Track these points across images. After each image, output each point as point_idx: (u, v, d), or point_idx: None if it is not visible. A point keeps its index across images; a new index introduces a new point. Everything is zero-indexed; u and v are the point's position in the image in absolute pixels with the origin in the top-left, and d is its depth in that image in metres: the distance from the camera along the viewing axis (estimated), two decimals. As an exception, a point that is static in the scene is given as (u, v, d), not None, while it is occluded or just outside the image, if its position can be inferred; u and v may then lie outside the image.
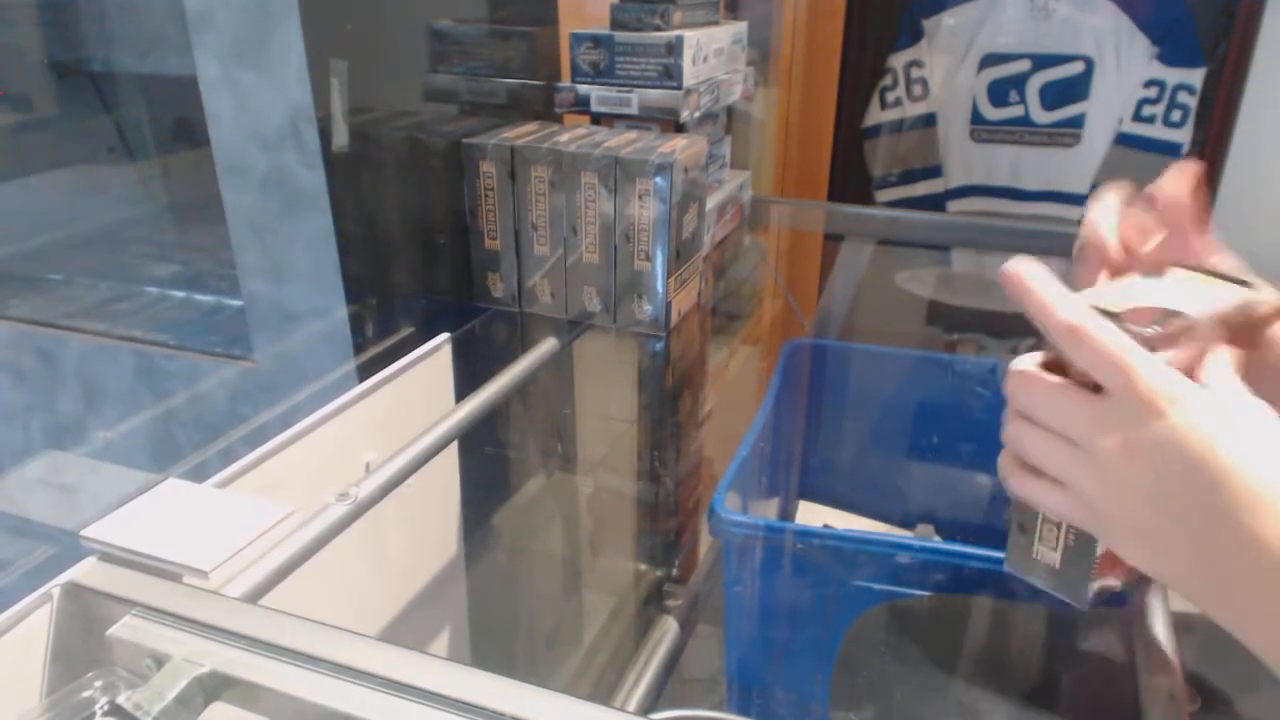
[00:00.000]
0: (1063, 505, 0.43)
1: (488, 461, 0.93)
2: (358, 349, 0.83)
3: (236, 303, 0.91)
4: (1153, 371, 0.39)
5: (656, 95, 0.91)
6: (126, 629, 0.39)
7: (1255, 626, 0.39)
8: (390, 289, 0.86)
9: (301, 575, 0.50)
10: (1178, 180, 0.46)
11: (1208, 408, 0.39)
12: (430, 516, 0.84)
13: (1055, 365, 0.44)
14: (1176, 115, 1.68)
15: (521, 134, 0.87)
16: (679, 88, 0.90)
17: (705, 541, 1.03)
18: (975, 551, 0.67)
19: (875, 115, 1.89)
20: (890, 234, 1.26)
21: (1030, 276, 0.43)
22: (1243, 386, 0.40)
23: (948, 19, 1.79)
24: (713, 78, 0.98)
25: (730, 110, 1.11)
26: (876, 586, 0.70)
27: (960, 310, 1.86)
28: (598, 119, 0.95)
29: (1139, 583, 0.52)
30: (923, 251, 1.81)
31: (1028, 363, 0.43)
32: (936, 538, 1.06)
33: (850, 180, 1.94)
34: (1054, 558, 0.49)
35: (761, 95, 1.70)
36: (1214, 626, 0.42)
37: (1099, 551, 0.46)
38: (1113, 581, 0.48)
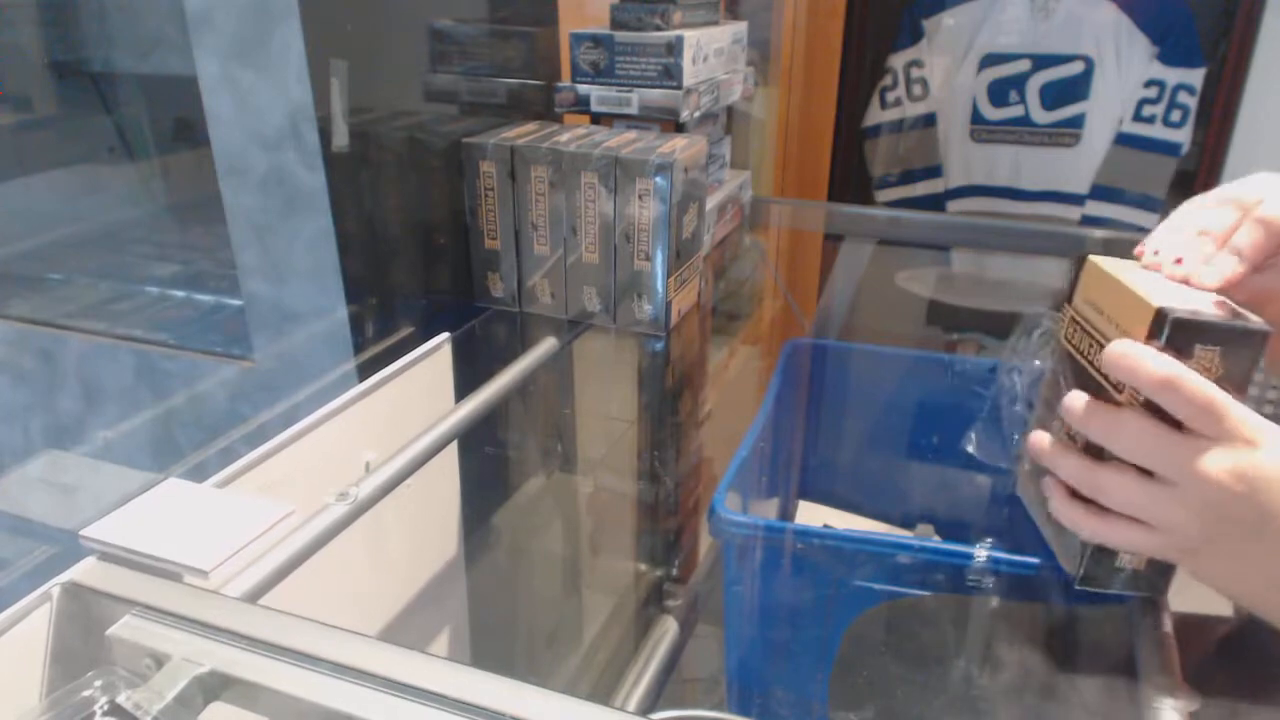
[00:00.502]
0: (1147, 542, 0.45)
1: (488, 461, 0.93)
2: (357, 349, 0.83)
3: (236, 302, 0.91)
4: (1240, 411, 0.42)
5: (656, 95, 0.91)
6: (126, 629, 0.39)
7: None
8: (390, 289, 0.86)
9: (301, 575, 0.50)
10: None
11: None
12: (430, 516, 0.84)
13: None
14: (1176, 115, 1.68)
15: (521, 134, 0.87)
16: (679, 88, 0.90)
17: (705, 541, 1.03)
18: (975, 551, 0.67)
19: (875, 115, 1.89)
20: (890, 234, 1.26)
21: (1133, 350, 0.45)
22: None
23: (948, 19, 1.79)
24: (713, 78, 0.98)
25: (730, 110, 1.11)
26: (876, 586, 0.70)
27: (960, 310, 1.86)
28: (598, 119, 0.95)
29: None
30: (923, 251, 1.81)
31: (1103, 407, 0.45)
32: (936, 538, 1.06)
33: (850, 180, 1.94)
34: (1139, 562, 0.50)
35: (761, 95, 1.70)
36: (1214, 627, 0.42)
37: None
38: None
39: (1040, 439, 0.49)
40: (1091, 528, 0.47)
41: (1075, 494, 0.47)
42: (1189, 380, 0.42)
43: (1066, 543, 0.51)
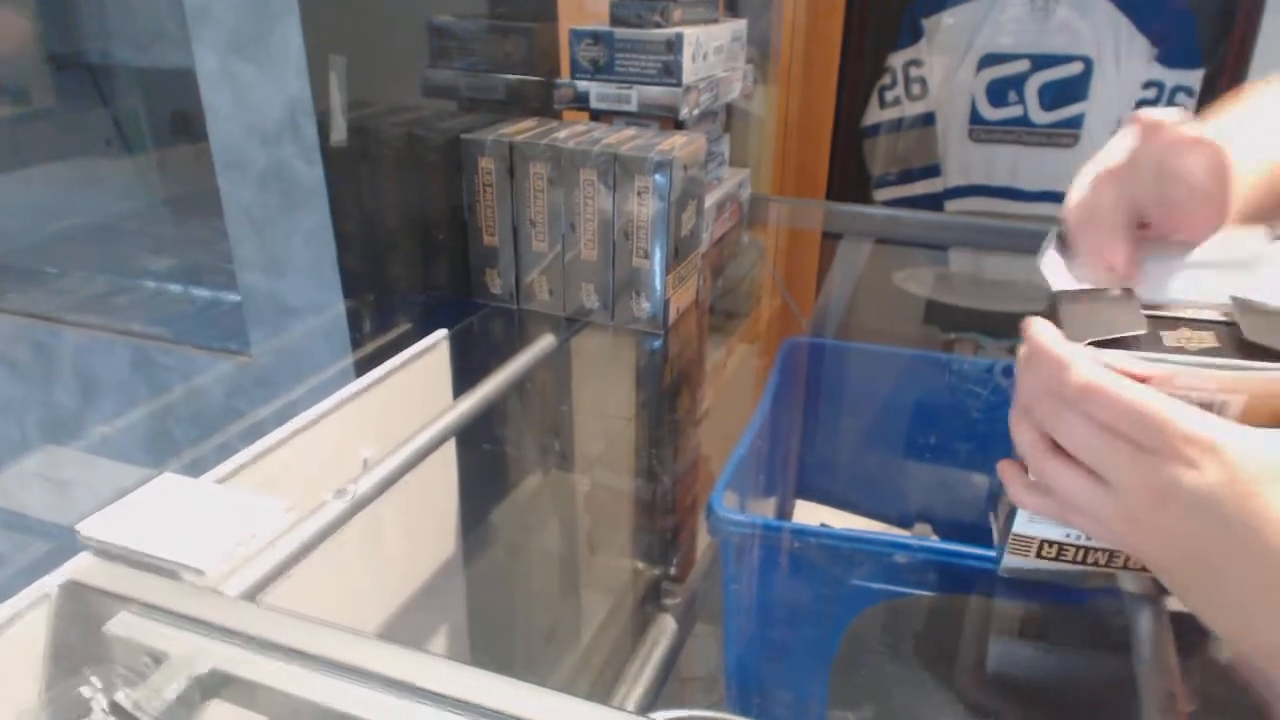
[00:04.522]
0: (1094, 530, 0.44)
1: (486, 458, 0.93)
2: (355, 344, 0.83)
3: (234, 297, 0.91)
4: (1190, 425, 0.38)
5: (656, 92, 0.90)
6: (124, 626, 0.39)
7: None
8: (388, 284, 0.86)
9: (299, 572, 0.50)
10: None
11: (1249, 456, 0.37)
12: (428, 513, 0.84)
13: None
14: (1175, 116, 1.68)
15: (520, 130, 0.87)
16: (678, 85, 0.90)
17: (703, 540, 1.03)
18: (973, 551, 0.67)
19: (874, 114, 1.89)
20: (888, 233, 1.26)
21: (1039, 332, 0.43)
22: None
23: (947, 18, 1.79)
24: (712, 75, 0.98)
25: (729, 108, 1.11)
26: (874, 586, 0.70)
27: (958, 310, 1.86)
28: (597, 115, 0.95)
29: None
30: (921, 251, 1.81)
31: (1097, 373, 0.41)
32: (934, 537, 1.06)
33: (849, 179, 1.94)
34: (1000, 518, 0.52)
35: (761, 93, 1.70)
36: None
37: (1021, 533, 0.48)
38: (1038, 565, 0.50)
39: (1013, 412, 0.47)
40: (1051, 509, 0.45)
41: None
42: (1116, 388, 0.39)
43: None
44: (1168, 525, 0.39)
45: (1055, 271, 0.48)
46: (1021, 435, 0.44)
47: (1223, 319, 0.43)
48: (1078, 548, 0.48)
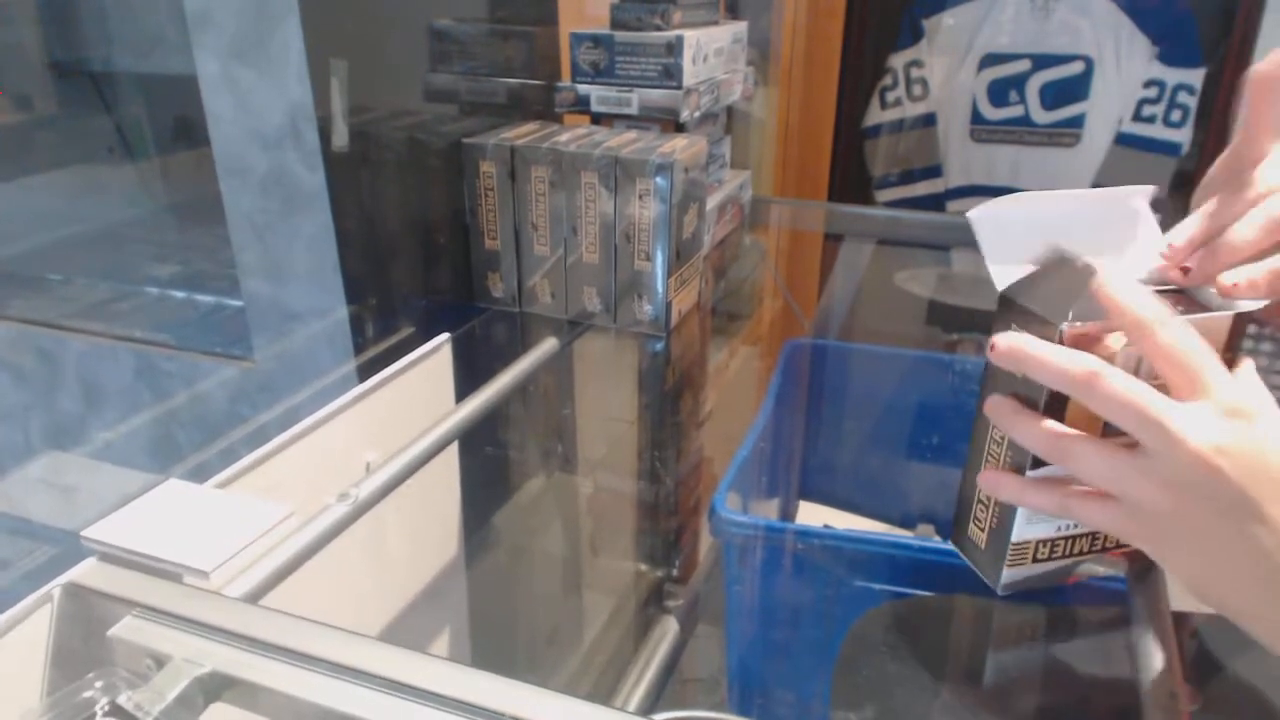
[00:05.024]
0: (1113, 520, 0.42)
1: (488, 462, 0.93)
2: (358, 349, 0.83)
3: (236, 303, 0.91)
4: (1245, 379, 0.39)
5: (656, 95, 0.91)
6: (127, 629, 0.39)
7: None
8: (390, 289, 0.86)
9: (302, 576, 0.50)
10: None
11: None
12: (430, 517, 0.84)
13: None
14: (1177, 115, 1.68)
15: (521, 134, 0.87)
16: (679, 87, 0.90)
17: (705, 541, 1.03)
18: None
19: (875, 115, 1.89)
20: (890, 234, 1.26)
21: (1028, 344, 0.43)
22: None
23: (948, 19, 1.79)
24: (713, 77, 0.98)
25: (730, 110, 1.11)
26: (877, 587, 0.70)
27: (960, 310, 1.85)
28: (598, 119, 0.95)
29: (1135, 582, 0.52)
30: (923, 251, 1.80)
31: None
32: (937, 538, 1.06)
33: (850, 180, 1.94)
34: (981, 538, 0.50)
35: (761, 95, 1.70)
36: (1214, 626, 0.42)
37: (1020, 539, 0.48)
38: (1032, 572, 0.49)
39: (995, 400, 0.46)
40: (1055, 504, 0.43)
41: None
42: (1179, 335, 0.39)
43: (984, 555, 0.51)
44: (1212, 486, 0.38)
45: (1001, 270, 0.50)
46: (1025, 424, 0.43)
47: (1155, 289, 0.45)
48: (1067, 539, 0.49)
